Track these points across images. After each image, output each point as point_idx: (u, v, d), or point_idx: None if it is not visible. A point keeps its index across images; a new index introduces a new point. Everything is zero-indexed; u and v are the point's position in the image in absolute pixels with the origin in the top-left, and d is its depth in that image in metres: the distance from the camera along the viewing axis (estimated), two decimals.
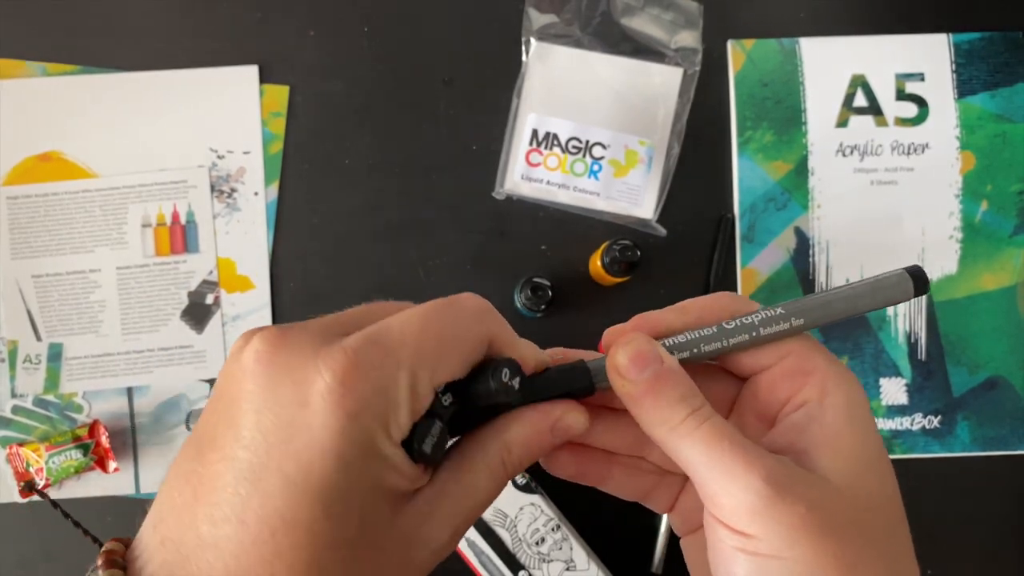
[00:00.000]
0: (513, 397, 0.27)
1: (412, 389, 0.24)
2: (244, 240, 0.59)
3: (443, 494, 0.26)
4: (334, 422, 0.22)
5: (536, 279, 0.55)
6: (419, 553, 0.25)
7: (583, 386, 0.28)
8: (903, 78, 0.61)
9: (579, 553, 0.52)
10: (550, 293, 0.55)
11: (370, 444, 0.23)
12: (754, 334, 0.28)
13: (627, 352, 0.27)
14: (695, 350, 0.28)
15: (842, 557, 0.24)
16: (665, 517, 0.57)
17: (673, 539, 0.57)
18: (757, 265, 0.59)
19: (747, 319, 0.28)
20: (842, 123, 0.60)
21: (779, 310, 0.28)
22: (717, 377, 0.31)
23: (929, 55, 0.61)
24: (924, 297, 0.60)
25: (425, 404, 0.24)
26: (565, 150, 0.58)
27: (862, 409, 0.27)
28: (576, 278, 0.59)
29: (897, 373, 0.59)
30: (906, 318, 0.60)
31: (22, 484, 0.56)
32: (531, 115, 0.59)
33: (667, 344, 0.29)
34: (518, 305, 0.57)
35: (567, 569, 0.52)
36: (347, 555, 0.23)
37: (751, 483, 0.24)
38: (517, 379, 0.27)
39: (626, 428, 0.31)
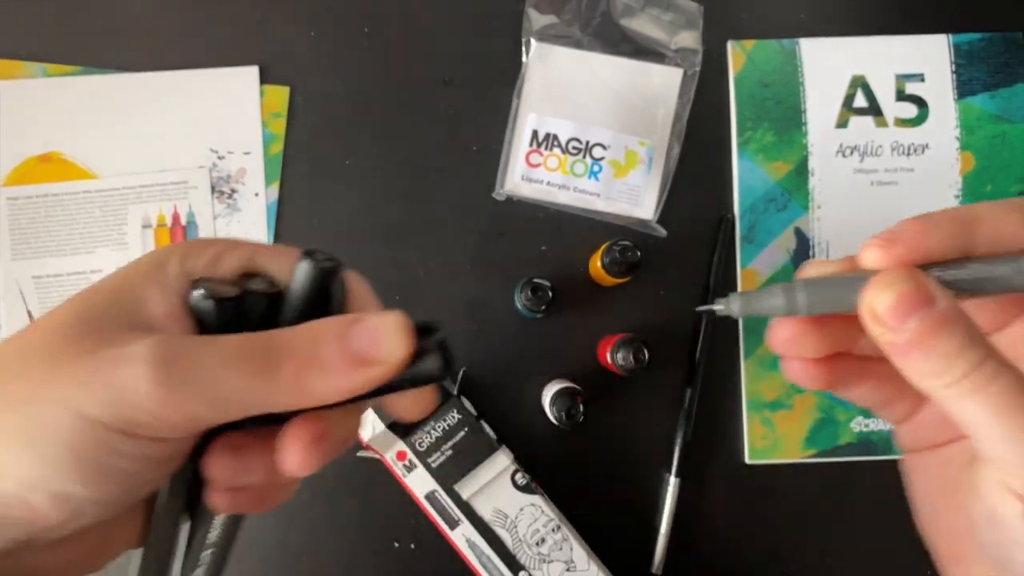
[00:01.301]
0: (317, 274, 0.23)
1: (225, 247, 0.25)
2: None
3: (180, 343, 0.22)
4: (149, 254, 0.25)
5: (536, 279, 0.55)
6: (104, 391, 0.21)
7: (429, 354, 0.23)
8: (903, 79, 0.61)
9: (579, 553, 0.52)
10: (550, 294, 0.55)
11: (162, 257, 0.24)
12: None
13: (887, 297, 0.22)
14: (981, 289, 0.22)
15: None
16: (666, 518, 0.57)
17: (673, 540, 0.57)
18: (757, 266, 0.59)
19: None
20: (842, 124, 0.60)
21: None
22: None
23: (929, 56, 0.61)
24: None
25: (232, 268, 0.25)
26: (565, 151, 0.58)
27: None
28: (576, 278, 0.59)
29: None
30: None
31: None
32: (531, 116, 0.59)
33: (945, 278, 0.23)
34: (518, 305, 0.57)
35: (567, 570, 0.52)
36: (68, 347, 0.21)
37: None
38: (330, 262, 0.24)
39: None
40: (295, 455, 0.23)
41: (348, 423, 0.25)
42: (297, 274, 0.24)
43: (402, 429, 0.53)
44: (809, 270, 0.26)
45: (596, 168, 0.58)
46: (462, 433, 0.52)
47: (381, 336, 0.22)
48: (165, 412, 0.21)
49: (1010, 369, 0.22)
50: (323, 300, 0.24)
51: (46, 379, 0.21)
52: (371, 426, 0.52)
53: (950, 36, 0.61)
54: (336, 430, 0.24)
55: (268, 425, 0.24)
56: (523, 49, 0.60)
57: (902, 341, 0.22)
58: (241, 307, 0.24)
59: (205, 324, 0.24)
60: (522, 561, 0.52)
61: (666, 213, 0.59)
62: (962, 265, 0.23)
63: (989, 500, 0.23)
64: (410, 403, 0.26)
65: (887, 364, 0.26)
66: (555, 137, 0.58)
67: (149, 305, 0.23)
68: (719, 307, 0.25)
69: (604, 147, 0.58)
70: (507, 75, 0.60)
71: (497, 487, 0.52)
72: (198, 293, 0.23)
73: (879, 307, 0.22)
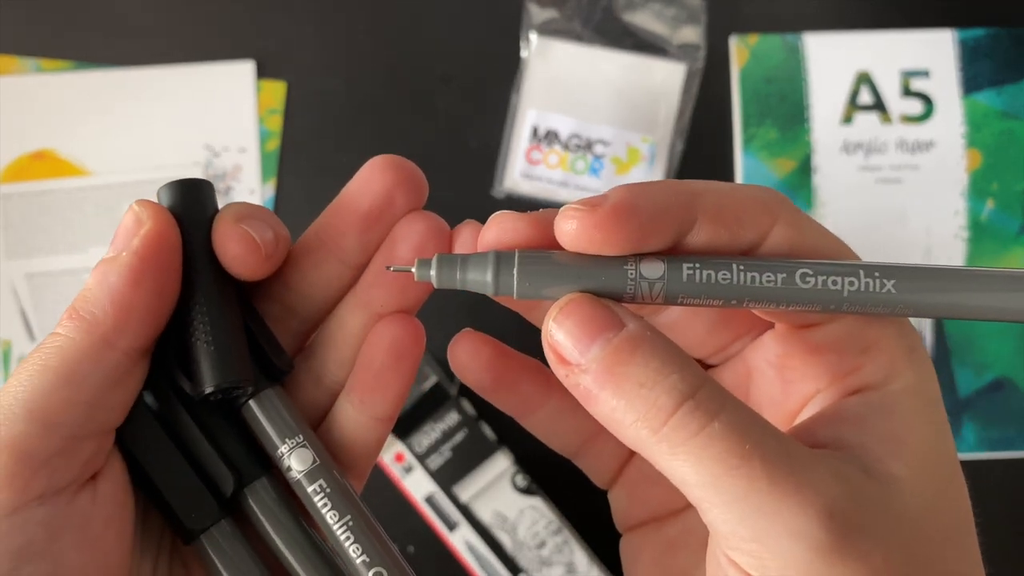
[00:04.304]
0: None
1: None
2: None
3: None
4: None
5: None
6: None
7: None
8: (908, 75, 0.60)
9: (580, 556, 0.52)
10: None
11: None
12: (831, 308, 0.18)
13: (563, 324, 0.18)
14: (705, 296, 0.18)
15: None
16: None
17: None
18: None
19: (833, 282, 0.18)
20: (847, 120, 0.59)
21: (888, 285, 0.18)
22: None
23: (934, 51, 0.60)
24: None
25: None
26: (566, 147, 0.58)
27: (936, 401, 0.20)
28: None
29: None
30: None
31: None
32: (531, 112, 0.58)
33: (670, 275, 0.18)
34: None
35: (568, 572, 0.52)
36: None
37: (804, 528, 0.16)
38: None
39: None
40: None
41: None
42: None
43: (401, 430, 0.52)
44: (501, 222, 0.21)
45: (597, 165, 0.58)
46: (461, 434, 0.52)
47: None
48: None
49: (732, 403, 0.17)
50: None
51: None
52: None
53: (956, 31, 0.60)
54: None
55: None
56: (523, 44, 0.59)
57: (588, 380, 0.17)
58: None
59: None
60: (522, 564, 0.51)
61: None
62: (711, 260, 0.18)
63: None
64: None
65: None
66: (555, 133, 0.58)
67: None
68: (413, 269, 0.21)
69: (605, 143, 0.58)
70: (507, 71, 0.59)
71: (497, 489, 0.52)
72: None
73: (557, 337, 0.18)
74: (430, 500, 0.52)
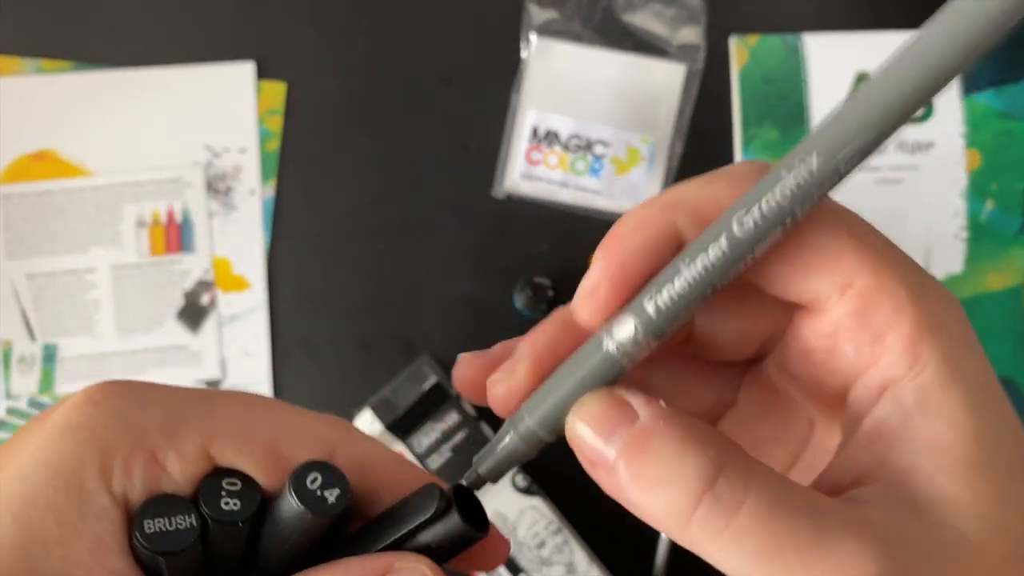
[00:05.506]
0: (317, 522, 0.18)
1: (167, 429, 0.18)
2: (240, 239, 0.58)
3: None
4: (52, 429, 0.18)
5: (537, 279, 0.54)
6: None
7: (435, 515, 0.19)
8: None
9: (580, 556, 0.52)
10: (551, 293, 0.54)
11: (75, 473, 0.17)
12: (788, 223, 0.16)
13: (581, 427, 0.18)
14: (684, 308, 0.17)
15: None
16: None
17: (676, 543, 0.56)
18: None
19: (767, 203, 0.16)
20: None
21: (811, 160, 0.16)
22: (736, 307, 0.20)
23: None
24: None
25: (183, 470, 0.18)
26: (566, 148, 0.58)
27: (976, 377, 0.16)
28: (577, 278, 0.57)
29: None
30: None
31: None
32: (531, 112, 0.58)
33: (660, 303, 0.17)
34: (518, 305, 0.56)
35: (568, 572, 0.52)
36: None
37: None
38: (336, 492, 0.18)
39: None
40: None
41: None
42: (284, 508, 0.18)
43: (401, 430, 0.52)
44: (497, 388, 0.20)
45: (597, 165, 0.58)
46: (461, 435, 0.52)
47: None
48: None
49: (758, 481, 0.16)
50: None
51: None
52: (368, 427, 0.51)
53: None
54: None
55: None
56: (523, 45, 0.59)
57: (615, 481, 0.17)
58: (207, 537, 0.18)
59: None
60: (522, 564, 0.51)
61: None
62: (667, 273, 0.18)
63: None
64: None
65: None
66: (555, 134, 0.58)
67: (78, 556, 0.16)
68: (463, 482, 0.21)
69: (605, 144, 0.58)
70: (506, 72, 0.59)
71: (497, 489, 0.52)
72: (143, 535, 0.17)
73: (581, 441, 0.18)
74: None
